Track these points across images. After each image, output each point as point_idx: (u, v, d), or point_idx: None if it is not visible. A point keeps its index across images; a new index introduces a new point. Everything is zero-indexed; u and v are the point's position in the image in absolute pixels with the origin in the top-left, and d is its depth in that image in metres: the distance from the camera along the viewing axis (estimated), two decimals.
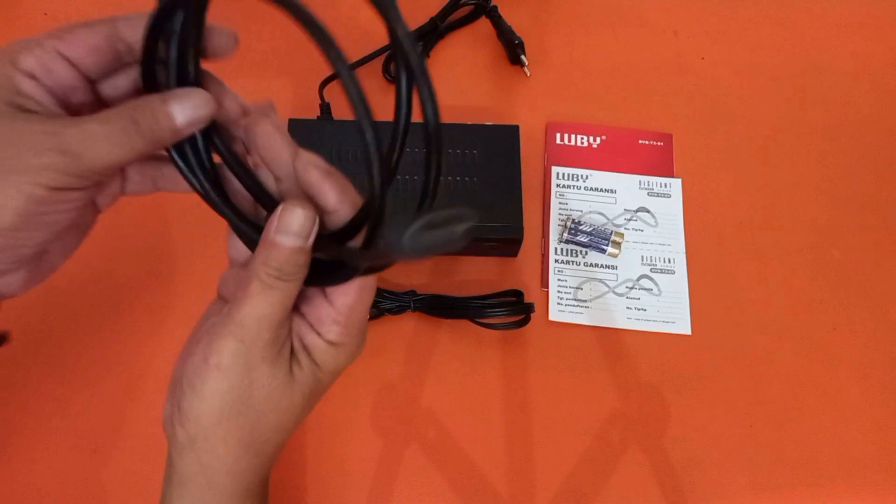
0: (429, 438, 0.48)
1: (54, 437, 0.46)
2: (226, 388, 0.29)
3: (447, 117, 0.60)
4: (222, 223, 0.32)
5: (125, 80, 0.31)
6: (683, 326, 0.52)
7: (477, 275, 0.53)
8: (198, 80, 0.29)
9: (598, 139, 0.58)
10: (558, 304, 0.52)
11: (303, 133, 0.52)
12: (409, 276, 0.52)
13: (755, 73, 0.62)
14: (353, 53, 0.59)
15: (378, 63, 0.60)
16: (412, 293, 0.50)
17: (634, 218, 0.56)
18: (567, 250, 0.54)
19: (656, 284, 0.53)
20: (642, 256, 0.54)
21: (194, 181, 0.30)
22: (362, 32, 0.61)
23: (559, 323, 0.52)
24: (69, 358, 0.49)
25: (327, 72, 0.57)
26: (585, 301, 0.52)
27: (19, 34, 0.63)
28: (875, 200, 0.57)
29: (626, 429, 0.49)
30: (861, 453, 0.49)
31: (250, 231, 0.30)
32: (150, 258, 0.52)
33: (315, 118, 0.55)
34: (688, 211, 0.56)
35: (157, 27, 0.28)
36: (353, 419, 0.48)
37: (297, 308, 0.31)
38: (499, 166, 0.52)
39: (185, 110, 0.28)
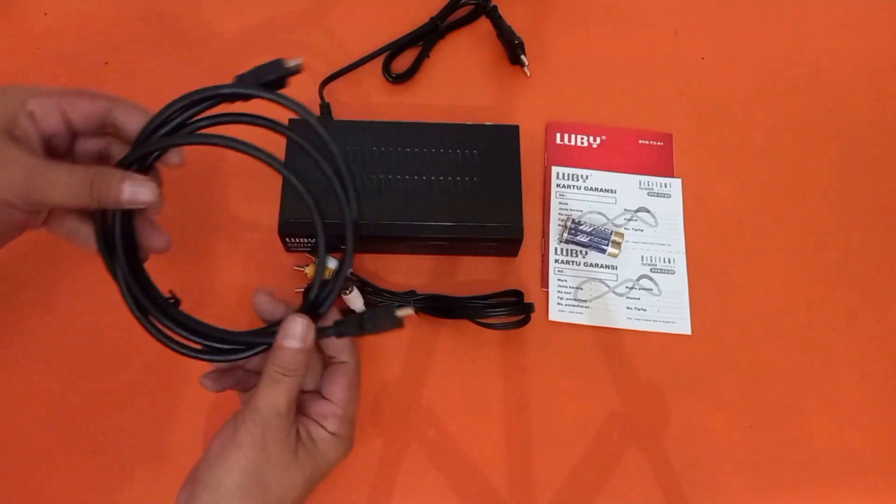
0: (429, 438, 0.48)
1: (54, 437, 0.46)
2: (245, 462, 0.35)
3: (447, 117, 0.60)
4: None
5: (95, 145, 0.39)
6: (683, 326, 0.52)
7: (477, 275, 0.53)
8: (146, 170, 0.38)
9: (598, 139, 0.58)
10: (558, 304, 0.52)
11: (303, 133, 0.52)
12: (409, 276, 0.52)
13: (755, 73, 0.62)
14: (353, 53, 0.59)
15: (378, 63, 0.60)
16: (412, 293, 0.50)
17: (634, 218, 0.56)
18: (567, 250, 0.54)
19: (656, 284, 0.53)
20: (642, 256, 0.54)
21: (100, 244, 0.37)
22: (362, 32, 0.61)
23: (559, 323, 0.52)
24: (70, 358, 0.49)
25: (327, 72, 0.57)
26: (585, 301, 0.52)
27: (19, 34, 0.64)
28: (875, 200, 0.57)
29: (626, 429, 0.49)
30: (861, 453, 0.49)
31: (134, 294, 0.38)
32: None
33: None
34: (688, 211, 0.56)
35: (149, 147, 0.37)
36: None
37: (303, 409, 0.39)
38: (499, 166, 0.52)
39: (134, 192, 0.35)
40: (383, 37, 0.60)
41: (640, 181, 0.57)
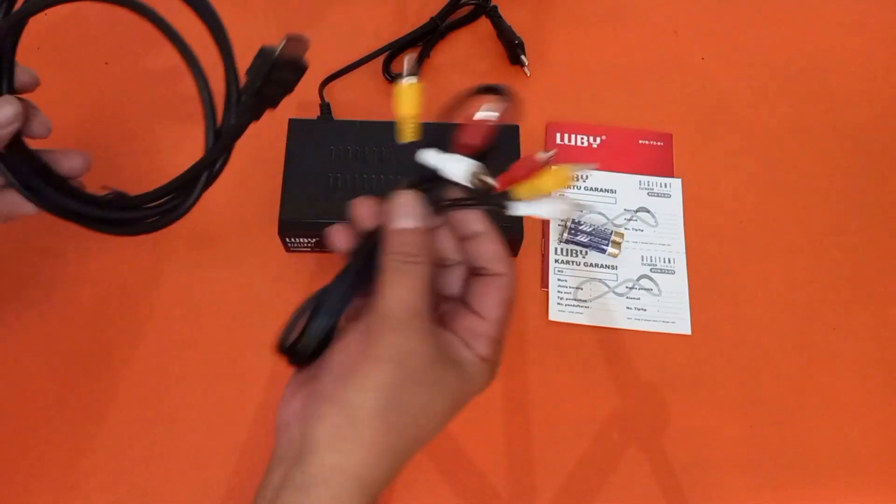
0: None
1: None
2: (383, 380, 0.29)
3: (447, 117, 0.59)
4: None
5: None
6: (683, 326, 0.52)
7: None
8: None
9: (598, 139, 0.58)
10: (558, 304, 0.52)
11: (303, 133, 0.52)
12: None
13: (755, 73, 0.62)
14: (353, 53, 0.59)
15: (378, 63, 0.60)
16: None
17: (634, 218, 0.56)
18: (567, 250, 0.54)
19: (656, 284, 0.53)
20: (642, 256, 0.54)
21: (22, 189, 0.36)
22: (362, 32, 0.61)
23: (559, 323, 0.52)
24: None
25: (327, 72, 0.57)
26: (585, 301, 0.52)
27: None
28: (875, 200, 0.57)
29: (626, 429, 0.49)
30: (861, 453, 0.49)
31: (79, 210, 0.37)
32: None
33: (315, 118, 0.55)
34: (688, 211, 0.56)
35: None
36: None
37: (447, 323, 0.33)
38: (499, 166, 0.52)
39: None
40: (383, 37, 0.60)
41: (640, 181, 0.57)
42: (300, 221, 0.49)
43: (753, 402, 0.50)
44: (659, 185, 0.57)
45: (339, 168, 0.51)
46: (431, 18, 0.61)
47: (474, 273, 0.35)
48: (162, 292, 0.51)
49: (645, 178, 0.57)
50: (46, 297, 0.50)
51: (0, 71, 0.36)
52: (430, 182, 0.34)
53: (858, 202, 0.57)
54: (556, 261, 0.54)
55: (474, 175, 0.33)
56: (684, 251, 0.55)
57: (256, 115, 0.34)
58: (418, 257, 0.31)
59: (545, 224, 0.55)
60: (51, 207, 0.37)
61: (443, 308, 0.34)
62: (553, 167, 0.34)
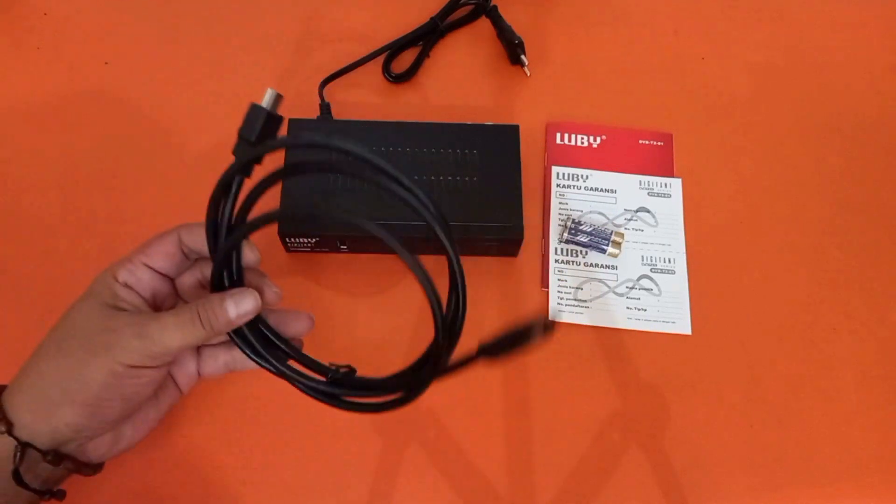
0: (429, 438, 0.48)
1: None
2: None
3: (447, 117, 0.60)
4: None
5: (191, 276, 0.41)
6: (683, 326, 0.52)
7: (477, 275, 0.53)
8: (240, 278, 0.39)
9: (598, 139, 0.58)
10: (558, 304, 0.52)
11: (303, 133, 0.52)
12: (409, 276, 0.52)
13: (755, 73, 0.62)
14: (353, 53, 0.59)
15: (378, 63, 0.60)
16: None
17: (634, 218, 0.56)
18: (567, 250, 0.54)
19: (656, 284, 0.53)
20: (642, 256, 0.54)
21: (252, 355, 0.39)
22: (362, 32, 0.61)
23: (559, 323, 0.52)
24: None
25: (327, 72, 0.57)
26: (585, 301, 0.52)
27: (20, 34, 0.63)
28: (875, 200, 0.57)
29: (626, 429, 0.49)
30: (861, 453, 0.49)
31: (312, 384, 0.39)
32: None
33: (315, 118, 0.55)
34: (688, 211, 0.56)
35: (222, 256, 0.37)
36: (354, 419, 0.48)
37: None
38: (499, 166, 0.52)
39: (237, 307, 0.37)
40: (383, 37, 0.60)
41: (640, 181, 0.57)
42: (300, 222, 0.49)
43: (753, 402, 0.50)
44: (659, 185, 0.57)
45: (340, 168, 0.51)
46: (431, 18, 0.61)
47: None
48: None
49: (645, 178, 0.57)
50: (45, 299, 0.50)
51: (230, 261, 0.38)
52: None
53: (858, 202, 0.57)
54: (556, 261, 0.54)
55: None
56: (684, 251, 0.55)
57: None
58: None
59: (545, 224, 0.55)
60: (280, 371, 0.39)
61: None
62: None
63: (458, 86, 0.60)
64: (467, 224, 0.50)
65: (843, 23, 0.65)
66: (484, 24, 0.62)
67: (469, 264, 0.53)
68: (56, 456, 0.37)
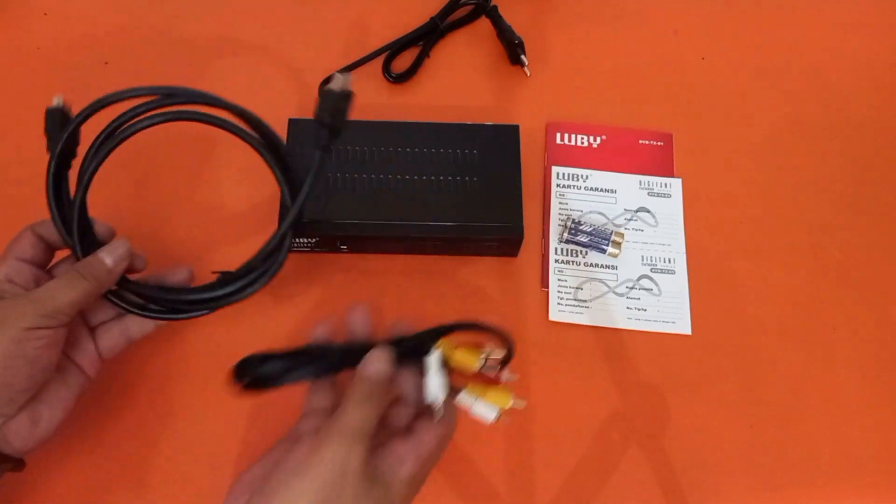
0: None
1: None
2: (323, 481, 0.34)
3: (447, 117, 0.60)
4: None
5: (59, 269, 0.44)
6: (683, 326, 0.52)
7: (477, 275, 0.53)
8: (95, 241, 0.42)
9: (598, 139, 0.58)
10: (558, 304, 0.52)
11: (302, 133, 0.52)
12: (409, 276, 0.52)
13: (755, 73, 0.62)
14: (354, 53, 0.59)
15: (378, 63, 0.60)
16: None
17: (634, 218, 0.56)
18: (567, 250, 0.54)
19: (656, 284, 0.53)
20: (642, 256, 0.54)
21: (138, 311, 0.43)
22: (362, 32, 0.61)
23: (559, 323, 0.52)
24: None
25: (327, 71, 0.57)
26: (585, 301, 0.52)
27: (20, 34, 0.63)
28: (875, 200, 0.57)
29: (626, 429, 0.49)
30: (861, 453, 0.49)
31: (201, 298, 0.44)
32: None
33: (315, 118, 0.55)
34: (688, 211, 0.56)
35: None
36: None
37: (387, 448, 0.38)
38: (499, 166, 0.52)
39: (111, 254, 0.40)
40: (383, 37, 0.60)
41: (640, 181, 0.57)
42: (300, 221, 0.49)
43: (753, 402, 0.50)
44: (659, 184, 0.57)
45: (339, 168, 0.51)
46: (431, 18, 0.61)
47: (418, 409, 0.41)
48: None
49: (645, 178, 0.57)
50: None
51: (84, 227, 0.41)
52: (410, 345, 0.40)
53: (858, 202, 0.57)
54: (557, 261, 0.54)
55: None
56: (684, 251, 0.55)
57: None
58: (380, 393, 0.38)
59: (545, 224, 0.55)
60: (173, 312, 0.43)
61: (384, 435, 0.39)
62: (501, 385, 0.42)
63: (458, 86, 0.60)
64: (467, 224, 0.50)
65: (843, 23, 0.65)
66: (484, 24, 0.62)
67: (469, 264, 0.53)
68: None
